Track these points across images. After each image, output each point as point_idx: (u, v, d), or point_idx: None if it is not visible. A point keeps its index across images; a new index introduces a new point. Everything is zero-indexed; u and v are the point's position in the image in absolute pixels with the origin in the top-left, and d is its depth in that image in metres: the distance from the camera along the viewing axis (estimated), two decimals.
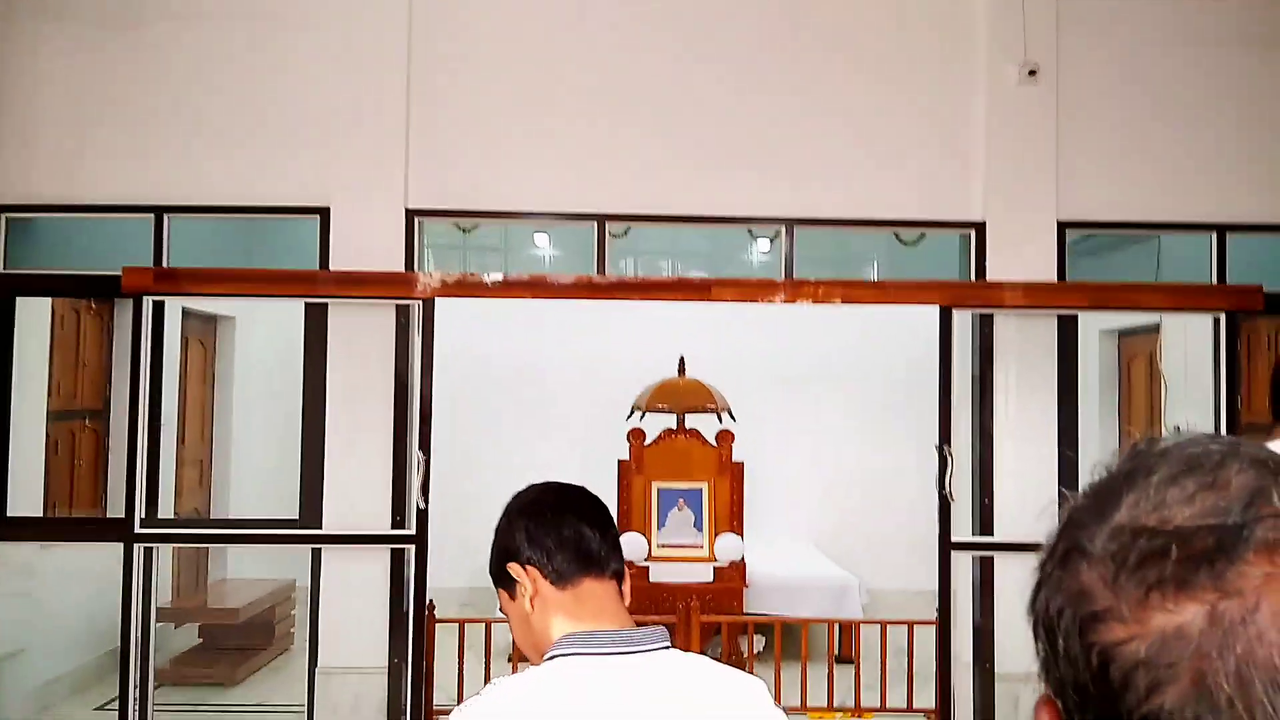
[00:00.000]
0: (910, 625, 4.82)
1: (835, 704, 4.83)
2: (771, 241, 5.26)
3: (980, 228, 4.57)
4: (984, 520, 4.51)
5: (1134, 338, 6.58)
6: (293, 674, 5.61)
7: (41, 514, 4.91)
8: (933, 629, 4.70)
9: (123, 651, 4.50)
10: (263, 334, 7.09)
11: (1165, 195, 4.61)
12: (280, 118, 4.69)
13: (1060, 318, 4.46)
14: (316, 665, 4.56)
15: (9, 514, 4.63)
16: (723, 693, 1.26)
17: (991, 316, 4.46)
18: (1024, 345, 4.54)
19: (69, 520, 4.78)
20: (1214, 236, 4.63)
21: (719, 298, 4.53)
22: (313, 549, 4.59)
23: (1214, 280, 4.62)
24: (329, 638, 4.56)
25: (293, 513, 4.88)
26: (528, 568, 1.34)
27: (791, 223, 4.67)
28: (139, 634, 4.51)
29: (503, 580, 1.38)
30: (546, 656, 1.26)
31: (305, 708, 4.53)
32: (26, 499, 4.84)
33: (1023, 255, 4.51)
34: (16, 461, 4.71)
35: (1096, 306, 4.36)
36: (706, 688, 1.25)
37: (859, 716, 4.83)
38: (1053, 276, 4.48)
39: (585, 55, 4.77)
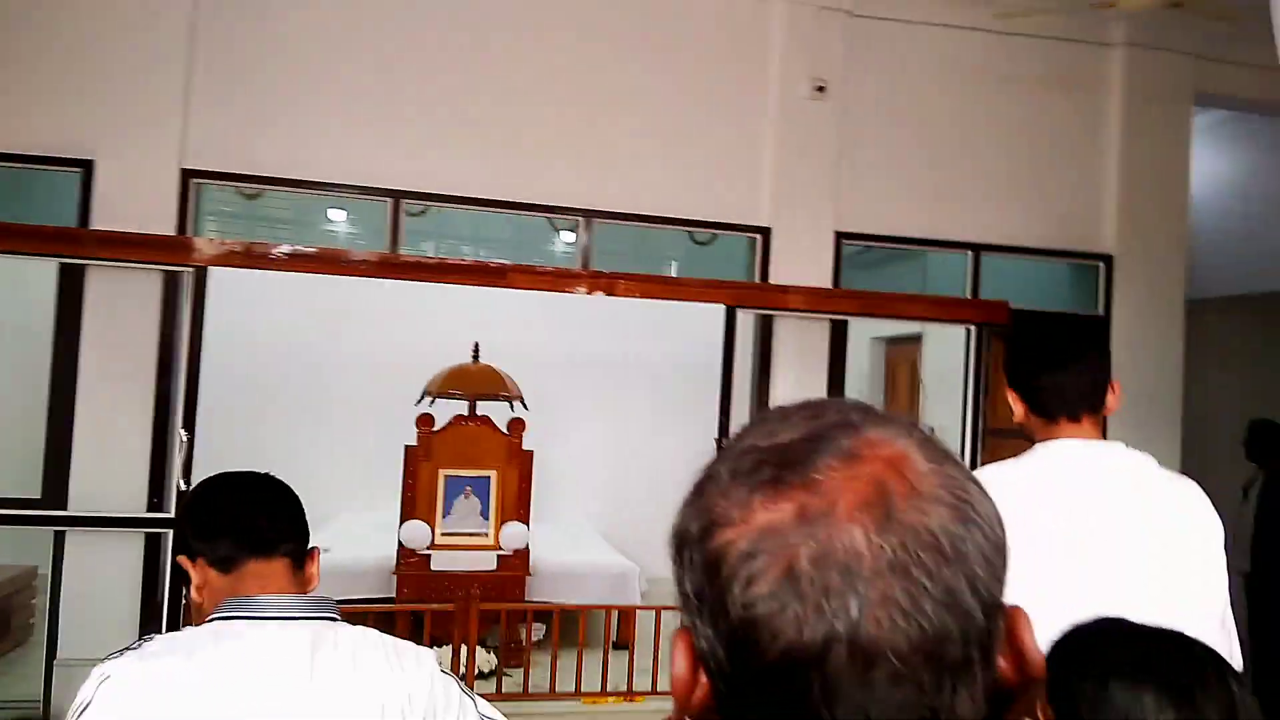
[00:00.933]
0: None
1: (609, 689, 4.93)
2: (575, 234, 5.29)
3: (766, 233, 4.79)
4: None
5: (899, 346, 7.11)
6: (30, 668, 5.12)
7: None
8: None
9: None
10: (4, 290, 6.41)
11: (929, 214, 5.00)
12: (42, 56, 4.26)
13: (833, 322, 4.75)
14: (55, 658, 4.19)
15: None
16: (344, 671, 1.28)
17: (772, 318, 4.69)
18: (800, 346, 4.80)
19: None
20: (970, 255, 5.06)
21: (517, 284, 4.52)
22: (55, 531, 4.20)
23: (969, 295, 5.06)
24: (72, 629, 4.20)
25: (34, 490, 4.46)
26: (196, 560, 1.35)
27: (590, 214, 4.72)
28: None
29: (184, 578, 1.40)
30: (207, 618, 1.29)
31: (40, 704, 4.15)
32: None
33: (802, 261, 4.77)
34: None
35: (866, 313, 4.67)
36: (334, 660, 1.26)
37: (632, 700, 4.96)
38: (829, 283, 4.77)
39: (389, 26, 4.62)
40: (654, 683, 4.95)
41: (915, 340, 6.67)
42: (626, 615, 5.56)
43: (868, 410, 0.60)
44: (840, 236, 4.84)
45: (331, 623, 1.31)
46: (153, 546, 4.25)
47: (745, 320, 4.66)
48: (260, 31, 4.48)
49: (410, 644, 1.35)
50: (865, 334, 6.95)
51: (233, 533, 1.34)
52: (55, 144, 4.27)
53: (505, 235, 8.25)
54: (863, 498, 0.54)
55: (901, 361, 7.03)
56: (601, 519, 7.54)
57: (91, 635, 4.19)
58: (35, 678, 4.46)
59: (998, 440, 5.31)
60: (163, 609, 4.18)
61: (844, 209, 4.83)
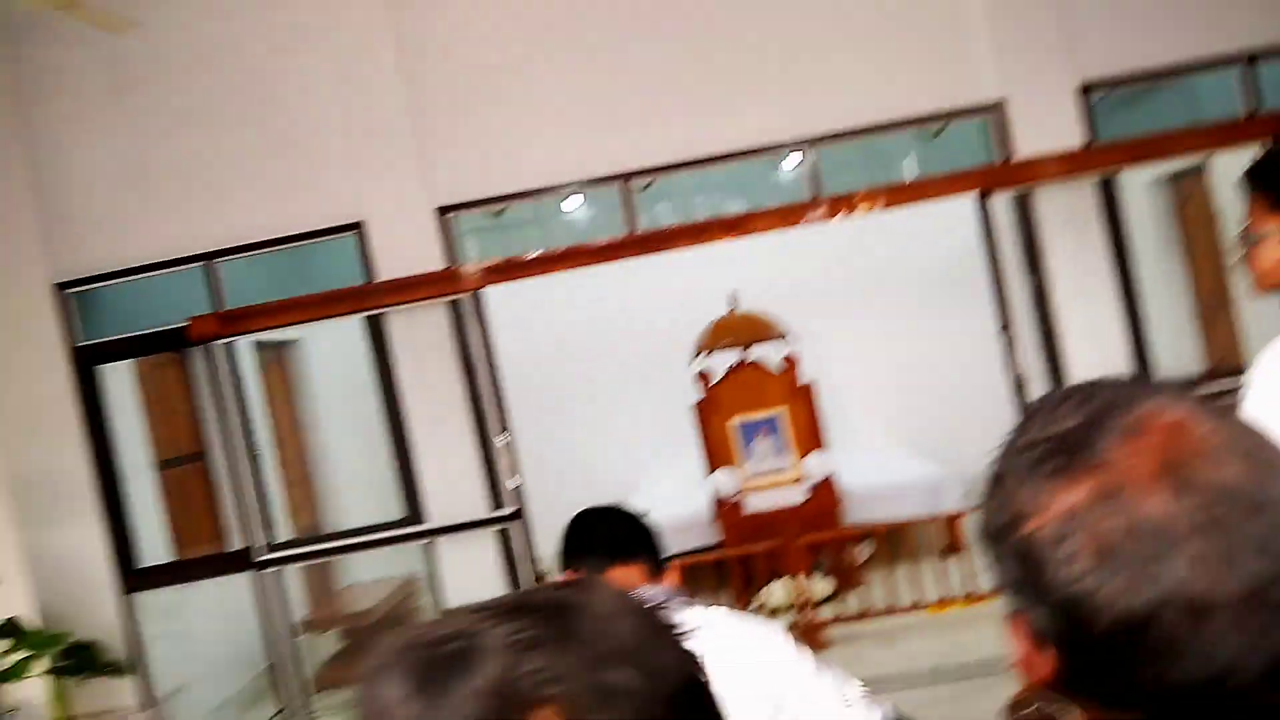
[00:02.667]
0: None
1: (948, 596, 4.95)
2: (800, 158, 5.24)
3: (999, 106, 4.50)
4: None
5: (1182, 180, 6.41)
6: None
7: (171, 559, 5.25)
8: None
9: (272, 669, 4.84)
10: (327, 347, 7.34)
11: (1183, 33, 4.46)
12: (302, 146, 4.83)
13: (1100, 181, 4.39)
14: None
15: (142, 566, 4.97)
16: None
17: (1028, 196, 4.41)
18: (1068, 216, 4.48)
19: (197, 560, 5.11)
20: (1241, 69, 4.47)
21: (760, 229, 4.57)
22: (424, 545, 4.83)
23: (1247, 111, 4.48)
24: None
25: (396, 513, 5.14)
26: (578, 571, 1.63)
27: (813, 141, 4.66)
28: (288, 650, 4.84)
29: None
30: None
31: None
32: (153, 548, 5.18)
33: (1048, 126, 4.43)
34: (136, 515, 5.04)
35: (1134, 161, 4.28)
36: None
37: (973, 603, 4.94)
38: (1080, 142, 4.40)
39: (573, 18, 4.78)
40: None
41: (1198, 174, 6.00)
42: (950, 521, 5.52)
43: (1135, 384, 0.64)
44: (1086, 88, 4.44)
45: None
46: (504, 540, 4.77)
47: (1001, 203, 4.42)
48: (461, 62, 4.79)
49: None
50: (1135, 183, 6.32)
51: (597, 546, 1.62)
52: (330, 215, 4.83)
53: (730, 177, 8.30)
54: (1155, 467, 0.58)
55: (1190, 196, 6.34)
56: (897, 431, 7.47)
57: None
58: None
59: None
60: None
61: (1083, 56, 4.42)
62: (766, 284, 6.90)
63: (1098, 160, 4.25)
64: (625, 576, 1.55)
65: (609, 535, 1.64)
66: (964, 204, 4.88)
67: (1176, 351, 5.14)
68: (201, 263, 4.89)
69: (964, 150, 4.89)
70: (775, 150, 4.80)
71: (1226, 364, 6.38)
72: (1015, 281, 4.47)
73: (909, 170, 7.72)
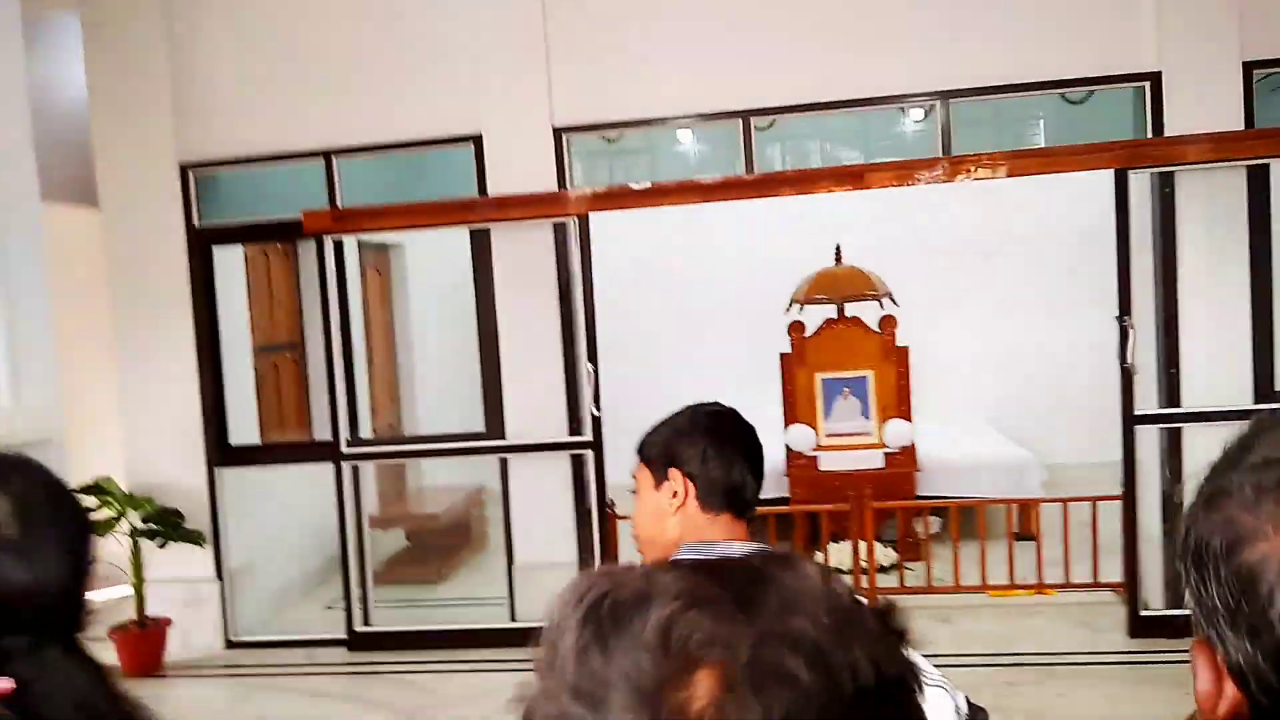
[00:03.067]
0: (1094, 501, 4.73)
1: (1016, 581, 4.84)
2: (926, 113, 5.04)
3: (1155, 78, 4.23)
4: (1170, 390, 4.32)
5: None
6: (491, 568, 6.07)
7: (258, 441, 5.44)
8: (1117, 504, 4.60)
9: (343, 558, 5.01)
10: (431, 256, 7.45)
11: None
12: (427, 54, 4.83)
13: (1249, 169, 4.12)
14: (513, 562, 4.93)
15: (232, 443, 5.17)
16: None
17: (1172, 175, 4.17)
18: (1209, 202, 4.23)
19: (283, 445, 5.30)
20: None
21: (875, 184, 4.43)
22: (500, 458, 4.91)
23: None
24: (522, 537, 4.91)
25: (477, 424, 5.23)
26: (689, 481, 1.47)
27: (946, 95, 4.46)
28: (355, 541, 5.00)
29: (657, 468, 1.50)
30: (671, 553, 1.43)
31: (507, 600, 4.93)
32: (243, 428, 5.38)
33: (1204, 104, 4.16)
34: (231, 395, 5.23)
35: None
36: None
37: (1042, 592, 4.82)
38: (1239, 124, 4.12)
39: None
40: (1066, 575, 4.76)
41: None
42: (1027, 508, 5.37)
43: None
44: (1249, 66, 4.14)
45: None
46: (577, 464, 4.81)
47: (1139, 182, 4.19)
48: None
49: None
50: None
51: (732, 489, 1.46)
52: (449, 126, 4.84)
53: (850, 126, 8.04)
54: None
55: None
56: (991, 410, 7.26)
57: (539, 542, 4.89)
58: (497, 576, 5.30)
59: None
60: (591, 520, 4.75)
61: (1250, 32, 4.12)
62: (876, 240, 6.72)
63: (1250, 146, 3.97)
64: (736, 531, 1.46)
65: (754, 482, 1.49)
66: (1095, 180, 4.65)
67: None
68: (320, 159, 4.96)
69: (1107, 120, 4.62)
70: (904, 100, 4.62)
71: None
72: (1142, 267, 4.24)
73: (1037, 138, 7.38)
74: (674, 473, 1.47)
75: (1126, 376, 4.23)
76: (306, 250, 5.35)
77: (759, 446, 1.52)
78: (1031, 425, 7.04)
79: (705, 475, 1.46)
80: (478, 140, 4.82)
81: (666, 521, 1.47)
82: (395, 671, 4.72)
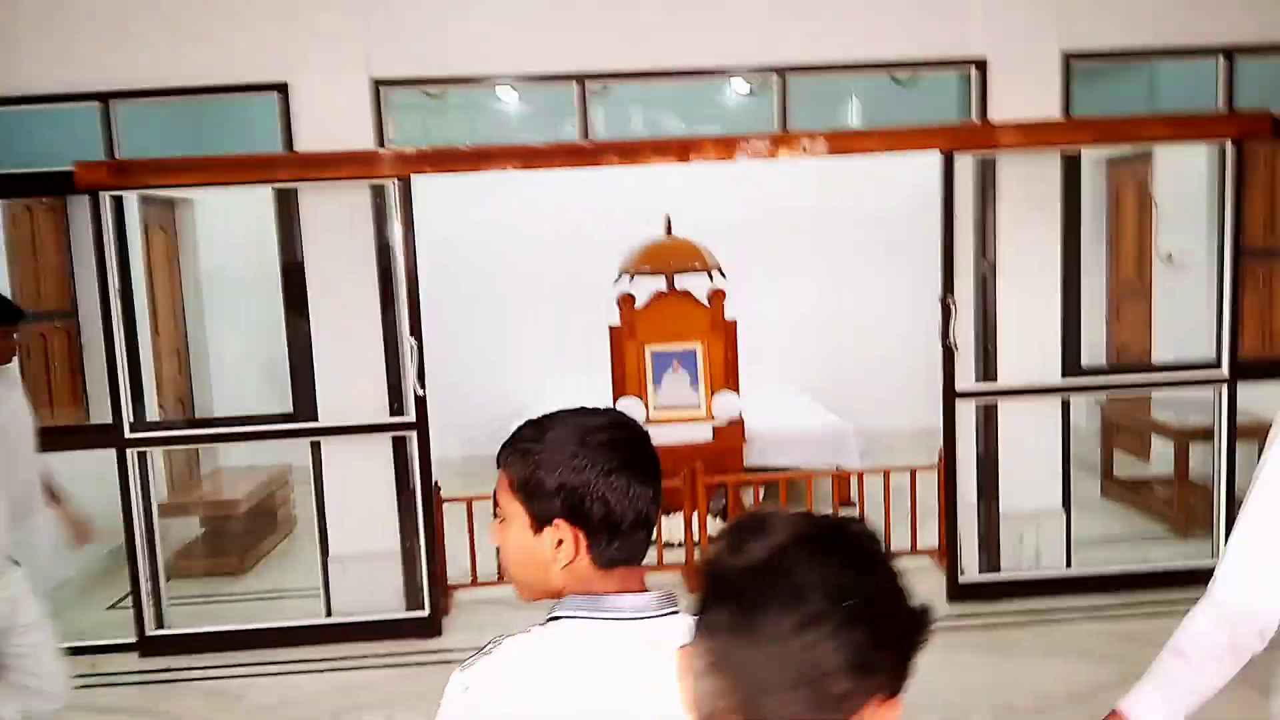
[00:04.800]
0: (913, 471, 4.90)
1: None
2: (755, 88, 5.00)
3: (981, 64, 4.34)
4: (987, 367, 4.51)
5: (1123, 165, 6.46)
6: (300, 558, 5.65)
7: None
8: (933, 474, 4.78)
9: (129, 554, 4.48)
10: (226, 215, 6.78)
11: (1168, 18, 4.38)
12: None
13: (1065, 156, 4.31)
14: (329, 554, 4.56)
15: None
16: None
17: (994, 160, 4.31)
18: (1025, 184, 4.40)
19: (58, 430, 4.63)
20: (1220, 60, 4.44)
21: (703, 156, 4.32)
22: (312, 441, 4.51)
23: (1220, 105, 4.46)
24: (337, 525, 4.55)
25: (284, 404, 4.78)
26: (580, 534, 1.17)
27: (783, 70, 4.41)
28: (144, 535, 4.48)
29: (536, 509, 1.18)
30: (550, 615, 1.19)
31: (322, 593, 4.57)
32: None
33: (1025, 91, 4.32)
34: None
35: (1103, 141, 4.22)
36: None
37: None
38: (1057, 111, 4.31)
39: None
40: (886, 541, 4.91)
41: (1145, 159, 6.05)
42: (844, 477, 5.52)
43: None
44: (1069, 57, 4.33)
45: (675, 616, 1.18)
46: (399, 446, 4.49)
47: (964, 165, 4.30)
48: None
49: None
50: (1085, 158, 6.35)
51: (633, 541, 1.18)
52: (251, 72, 4.34)
53: (675, 96, 7.96)
54: None
55: (1127, 182, 6.41)
56: (808, 380, 7.44)
57: (354, 531, 4.54)
58: (306, 566, 4.90)
59: (1250, 261, 4.82)
60: (415, 502, 4.45)
61: (1069, 25, 4.30)
62: (705, 213, 6.67)
63: (1067, 134, 4.16)
64: (632, 576, 1.20)
65: (649, 524, 1.22)
66: (921, 162, 4.76)
67: (1090, 339, 5.19)
68: (97, 102, 4.33)
69: (935, 102, 4.73)
70: (741, 72, 4.54)
71: (1128, 355, 6.56)
72: (962, 247, 4.37)
73: (854, 115, 7.57)
74: (560, 526, 1.17)
75: (948, 354, 4.37)
76: (79, 206, 4.68)
77: (659, 472, 1.23)
78: (849, 396, 7.27)
79: (604, 526, 1.17)
80: (284, 89, 4.34)
81: (549, 571, 1.19)
82: (196, 678, 4.27)
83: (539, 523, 1.19)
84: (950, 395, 4.39)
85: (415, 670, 4.17)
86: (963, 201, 4.33)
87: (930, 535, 4.92)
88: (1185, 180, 5.54)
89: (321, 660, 4.31)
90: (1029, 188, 4.38)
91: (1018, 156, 4.30)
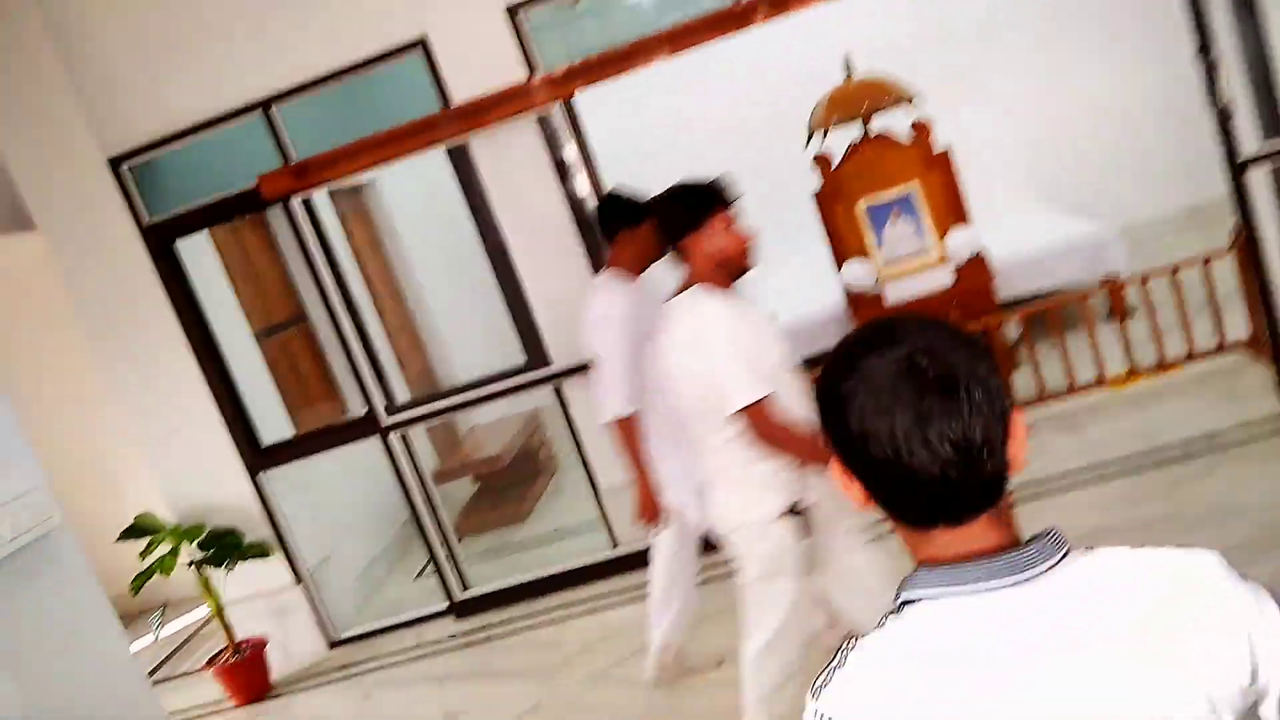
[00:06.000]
0: (1205, 261, 4.25)
1: (1136, 368, 4.42)
2: None
3: None
4: (1274, 122, 3.76)
5: None
6: (571, 490, 5.75)
7: (292, 434, 5.04)
8: (1226, 260, 4.13)
9: (418, 527, 4.68)
10: (408, 185, 6.85)
11: None
12: None
13: None
14: (598, 487, 4.56)
15: (265, 445, 4.76)
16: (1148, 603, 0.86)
17: None
18: None
19: (320, 432, 4.87)
20: None
21: None
22: (553, 388, 4.47)
23: None
24: (599, 459, 4.52)
25: (514, 354, 4.78)
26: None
27: None
28: (425, 505, 4.65)
29: None
30: (899, 600, 0.93)
31: (604, 530, 4.59)
32: (271, 421, 4.96)
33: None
34: (247, 391, 4.78)
35: None
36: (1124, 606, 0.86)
37: (1166, 372, 4.40)
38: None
39: None
40: (1189, 346, 4.33)
41: None
42: (1115, 286, 4.90)
43: None
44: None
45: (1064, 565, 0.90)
46: None
47: None
48: None
49: None
50: None
51: (924, 497, 0.91)
52: (388, 36, 4.21)
53: None
54: None
55: None
56: (1052, 188, 6.67)
57: (616, 462, 4.50)
58: (580, 498, 4.94)
59: None
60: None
61: None
62: (885, 42, 6.04)
63: None
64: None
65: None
66: None
67: None
68: (258, 112, 4.36)
69: None
70: None
71: None
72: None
73: None
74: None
75: (1224, 115, 3.67)
76: (278, 216, 4.80)
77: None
78: (1095, 190, 6.49)
79: (880, 486, 0.98)
80: (424, 45, 4.18)
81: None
82: (510, 633, 4.43)
83: None
84: (1236, 165, 3.70)
85: (715, 586, 4.08)
86: None
87: (1237, 330, 4.28)
88: None
89: (619, 593, 4.35)
90: None
91: None
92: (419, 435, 5.23)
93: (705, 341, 2.41)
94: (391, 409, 4.58)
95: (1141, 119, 6.52)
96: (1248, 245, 3.85)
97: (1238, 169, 3.71)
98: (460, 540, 5.04)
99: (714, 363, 2.38)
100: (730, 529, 2.59)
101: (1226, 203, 3.89)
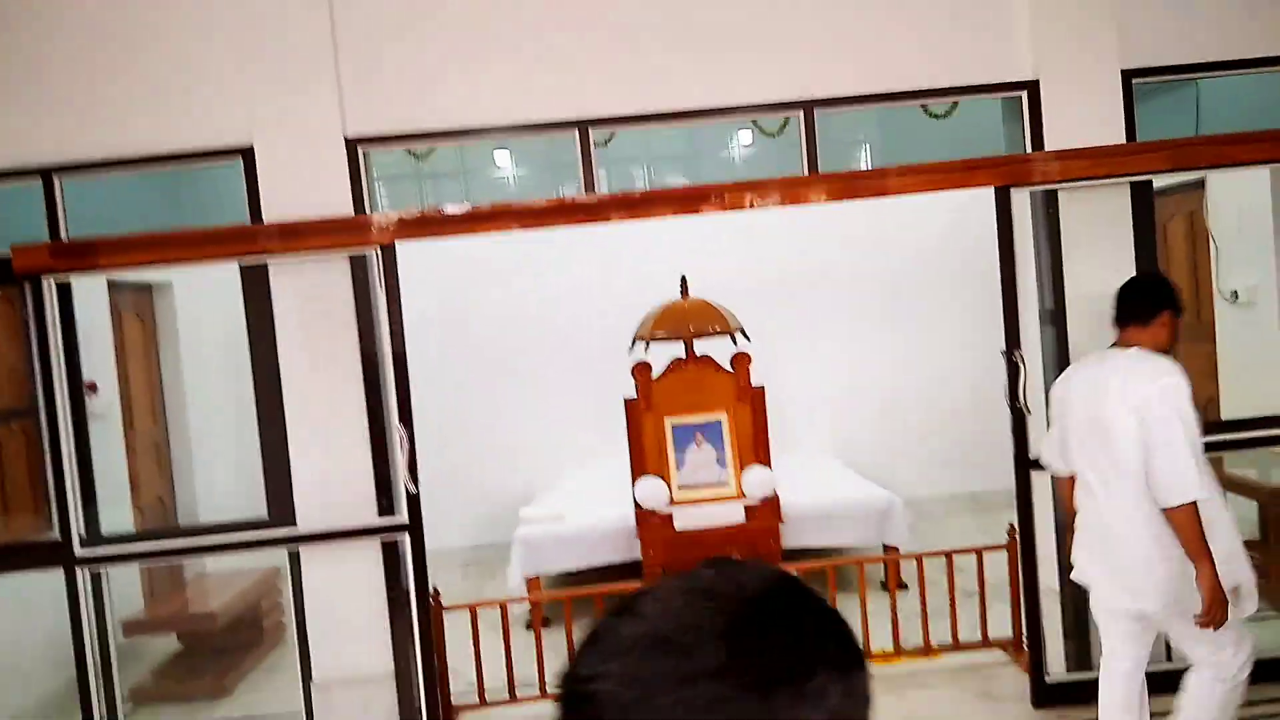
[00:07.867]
0: (979, 551, 4.29)
1: (900, 644, 4.32)
2: (766, 128, 4.52)
3: (1033, 87, 3.85)
4: None
5: (1171, 196, 5.93)
6: (291, 674, 5.02)
7: None
8: (1002, 554, 4.18)
9: (80, 682, 3.89)
10: (207, 298, 6.29)
11: (1237, 27, 3.90)
12: (186, 51, 3.86)
13: (1133, 184, 3.78)
14: (311, 678, 3.95)
15: None
16: None
17: (1055, 192, 3.78)
18: (1086, 218, 3.86)
19: (4, 548, 4.09)
20: None
21: (726, 204, 3.79)
22: (289, 550, 3.93)
23: None
24: (321, 644, 3.95)
25: (261, 509, 4.22)
26: None
27: (810, 104, 3.92)
28: (97, 664, 3.88)
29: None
30: None
31: None
32: None
33: (1080, 115, 3.81)
34: None
35: (1181, 167, 3.69)
36: None
37: (930, 656, 4.32)
38: (1120, 137, 3.79)
39: None
40: (954, 633, 4.29)
41: (1195, 188, 5.53)
42: (899, 561, 4.90)
43: None
44: (1128, 75, 3.83)
45: None
46: (389, 549, 3.91)
47: (1018, 199, 3.77)
48: None
49: None
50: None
51: None
52: (211, 137, 3.88)
53: (676, 150, 7.53)
54: None
55: (1175, 215, 5.88)
56: (849, 449, 6.83)
57: (342, 650, 3.94)
58: (297, 685, 4.29)
59: None
60: (410, 615, 3.86)
61: (1129, 39, 3.81)
62: (722, 270, 6.18)
63: (1137, 161, 3.63)
64: None
65: None
66: (961, 201, 4.29)
67: None
68: (36, 177, 3.86)
69: (972, 135, 4.24)
70: (765, 111, 4.04)
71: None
72: (989, 289, 3.82)
73: (865, 156, 7.12)
74: None
75: (1018, 417, 3.79)
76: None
77: None
78: (885, 460, 6.69)
79: None
80: (248, 154, 3.86)
81: None
82: None
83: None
84: (1024, 465, 3.80)
85: None
86: (988, 243, 3.77)
87: (1001, 625, 4.29)
88: (1249, 212, 5.03)
89: None
90: (1091, 223, 3.84)
91: (1079, 190, 3.77)
92: (128, 573, 4.47)
93: None
94: (91, 539, 3.88)
95: (950, 400, 6.86)
96: (1022, 546, 3.90)
97: (1025, 468, 3.80)
98: (136, 707, 4.22)
99: None
100: None
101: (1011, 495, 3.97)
